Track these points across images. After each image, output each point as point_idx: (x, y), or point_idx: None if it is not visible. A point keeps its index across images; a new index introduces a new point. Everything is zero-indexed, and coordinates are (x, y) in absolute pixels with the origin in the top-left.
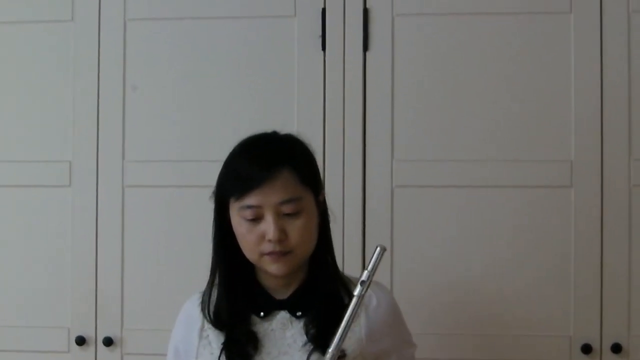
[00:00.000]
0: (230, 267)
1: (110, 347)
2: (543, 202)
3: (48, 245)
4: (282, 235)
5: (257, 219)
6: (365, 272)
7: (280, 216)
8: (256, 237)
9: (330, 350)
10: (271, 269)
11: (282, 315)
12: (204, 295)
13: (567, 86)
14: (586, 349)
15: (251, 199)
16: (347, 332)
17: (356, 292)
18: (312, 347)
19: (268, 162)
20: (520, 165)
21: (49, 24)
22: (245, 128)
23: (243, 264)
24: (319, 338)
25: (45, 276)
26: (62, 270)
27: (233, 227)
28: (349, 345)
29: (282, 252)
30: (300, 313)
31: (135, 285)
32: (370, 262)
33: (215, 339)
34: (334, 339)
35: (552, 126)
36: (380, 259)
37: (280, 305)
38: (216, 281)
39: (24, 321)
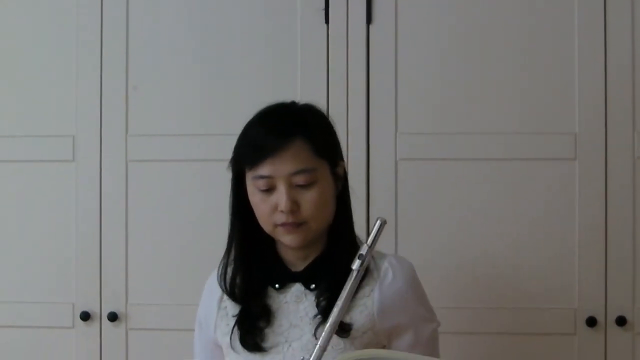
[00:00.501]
0: (246, 238)
1: (115, 323)
2: (547, 174)
3: (52, 220)
4: (294, 206)
5: (270, 190)
6: (365, 245)
7: (292, 187)
8: (269, 207)
9: (326, 327)
10: (285, 240)
11: (297, 288)
12: (220, 266)
13: (571, 58)
14: (591, 321)
15: (263, 169)
16: (344, 308)
17: (354, 266)
18: (320, 319)
19: (281, 131)
20: (524, 137)
21: None
22: (248, 102)
23: (262, 236)
24: (328, 311)
25: (49, 252)
26: (67, 245)
27: (249, 197)
28: (358, 320)
29: (296, 224)
30: (313, 286)
31: (139, 261)
32: (370, 235)
33: (232, 310)
34: (331, 316)
35: (556, 99)
36: (380, 232)
37: (295, 278)
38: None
39: (28, 297)
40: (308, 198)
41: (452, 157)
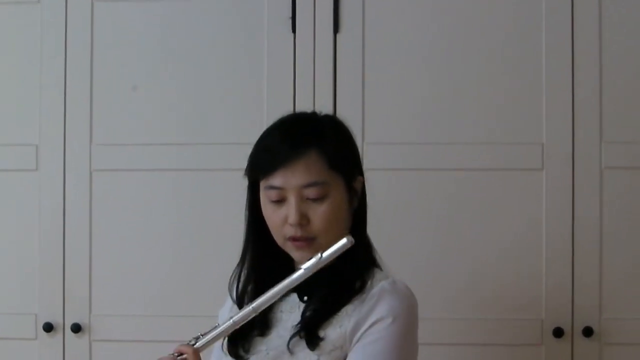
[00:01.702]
0: (260, 248)
1: (79, 334)
2: (514, 184)
3: (14, 230)
4: (304, 220)
5: (281, 201)
6: (319, 254)
7: (303, 200)
8: (280, 219)
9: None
10: (295, 256)
11: (293, 298)
12: (233, 274)
13: (538, 69)
14: (558, 332)
15: (275, 180)
16: (266, 302)
17: (303, 265)
18: (297, 329)
19: (294, 141)
20: (491, 147)
21: (16, 5)
22: (214, 111)
23: (276, 247)
24: (310, 323)
25: (12, 262)
26: (29, 256)
27: (262, 207)
28: (331, 335)
29: (306, 239)
30: (306, 298)
31: (103, 272)
32: (328, 250)
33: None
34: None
35: (524, 109)
36: (341, 249)
37: (293, 288)
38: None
39: None
40: (318, 212)
41: (418, 167)
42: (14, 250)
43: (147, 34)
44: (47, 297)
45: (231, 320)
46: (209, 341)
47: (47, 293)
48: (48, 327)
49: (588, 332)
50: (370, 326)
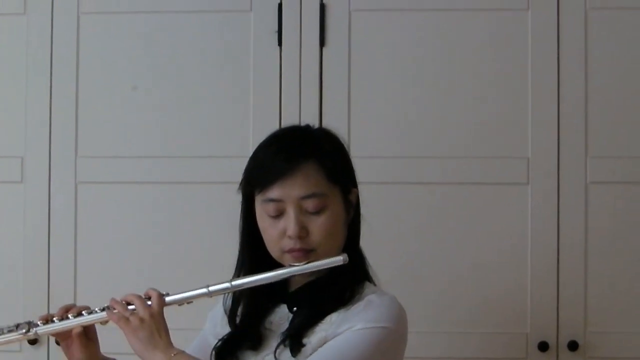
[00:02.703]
0: (255, 263)
1: None
2: (499, 199)
3: None
4: (303, 232)
5: (279, 214)
6: (304, 263)
7: (302, 212)
8: (278, 232)
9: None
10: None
11: (282, 310)
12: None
13: (524, 83)
14: (543, 346)
15: (273, 192)
16: (249, 284)
17: (282, 269)
18: (283, 337)
19: (292, 154)
20: (476, 162)
21: (1, 17)
22: (200, 124)
23: (271, 260)
24: (293, 332)
25: None
26: (14, 268)
27: (257, 221)
28: (313, 341)
29: (304, 251)
30: (295, 308)
31: (88, 284)
32: (322, 260)
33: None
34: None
35: (509, 123)
36: (332, 265)
37: (282, 299)
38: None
39: None
40: (318, 224)
41: (404, 181)
42: None
43: (133, 46)
44: (31, 308)
45: (207, 289)
46: (177, 299)
47: (32, 305)
48: (33, 340)
49: (573, 346)
50: (347, 329)
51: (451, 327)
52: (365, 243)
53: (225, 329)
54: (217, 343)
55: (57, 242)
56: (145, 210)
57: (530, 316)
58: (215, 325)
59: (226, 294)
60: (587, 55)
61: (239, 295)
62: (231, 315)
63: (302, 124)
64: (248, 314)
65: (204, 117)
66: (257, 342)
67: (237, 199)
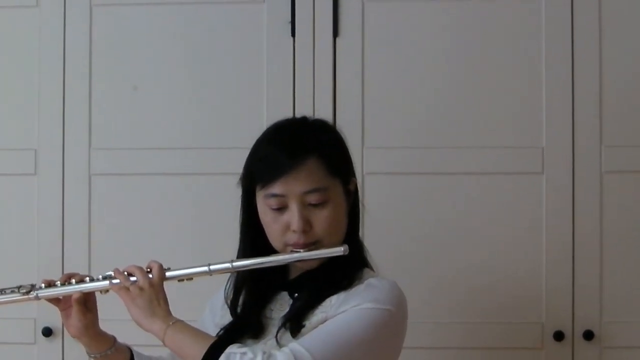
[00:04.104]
0: (253, 255)
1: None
2: (514, 188)
3: (13, 234)
4: (307, 226)
5: (282, 208)
6: (305, 251)
7: (305, 206)
8: (281, 227)
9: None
10: (298, 263)
11: (283, 297)
12: (228, 282)
13: (539, 73)
14: (558, 335)
15: (276, 188)
16: (249, 266)
17: (284, 255)
18: (283, 321)
19: (294, 150)
20: (491, 151)
21: (14, 9)
22: (213, 115)
23: (272, 252)
24: (293, 315)
25: (10, 266)
26: (28, 260)
27: (259, 215)
28: (312, 321)
29: (308, 245)
30: (296, 295)
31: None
32: (322, 249)
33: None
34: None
35: (524, 113)
36: (332, 254)
37: (283, 286)
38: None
39: None
40: (321, 217)
41: (419, 171)
42: (13, 254)
43: (146, 37)
44: (46, 302)
45: (208, 267)
46: (178, 275)
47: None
48: (47, 332)
49: (589, 335)
50: (348, 308)
51: (466, 316)
52: (381, 233)
53: (225, 318)
54: (218, 332)
55: (70, 234)
56: (158, 201)
57: (545, 306)
58: (214, 314)
59: (228, 284)
60: (602, 44)
61: (240, 285)
62: (232, 305)
63: (302, 115)
64: (249, 303)
65: (217, 109)
66: (258, 331)
67: None
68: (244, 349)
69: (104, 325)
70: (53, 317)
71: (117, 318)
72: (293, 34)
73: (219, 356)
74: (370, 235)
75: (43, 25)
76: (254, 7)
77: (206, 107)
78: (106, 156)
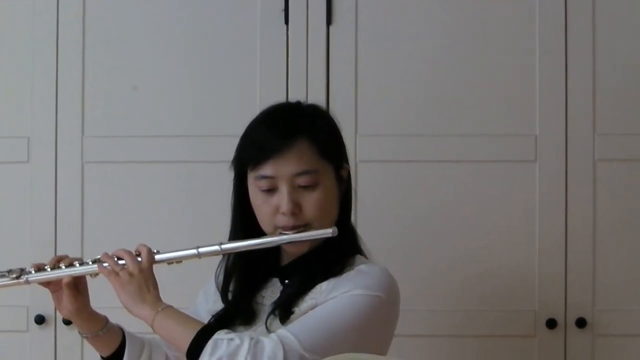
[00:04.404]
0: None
1: (70, 326)
2: (507, 176)
3: (6, 223)
4: (296, 208)
5: (271, 190)
6: (294, 233)
7: (295, 188)
8: (271, 209)
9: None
10: (287, 246)
11: (274, 283)
12: (219, 266)
13: (532, 61)
14: (551, 323)
15: (266, 169)
16: (237, 249)
17: (272, 237)
18: (273, 307)
19: (284, 131)
20: (484, 139)
21: None
22: (207, 103)
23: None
24: (283, 301)
25: (3, 254)
26: (21, 248)
27: (250, 198)
28: (302, 308)
29: (297, 227)
30: (287, 281)
31: None
32: (311, 230)
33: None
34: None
35: (517, 101)
36: (322, 236)
37: (274, 273)
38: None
39: None
40: (311, 200)
41: (412, 159)
42: (5, 242)
43: (139, 26)
44: (38, 289)
45: (197, 250)
46: (167, 258)
47: (39, 285)
48: (40, 320)
49: (581, 323)
50: (338, 295)
51: (459, 305)
52: (373, 221)
53: (217, 305)
54: (210, 319)
55: (63, 222)
56: (151, 189)
57: (538, 293)
58: (207, 301)
59: (218, 269)
60: (595, 31)
61: (231, 271)
62: (223, 292)
63: (296, 100)
64: (240, 290)
65: (210, 97)
66: (249, 317)
67: None
68: (231, 335)
69: None
70: (46, 304)
71: (106, 305)
72: (286, 22)
73: (206, 342)
74: (363, 223)
75: (36, 12)
76: None
77: (199, 94)
78: (99, 144)
